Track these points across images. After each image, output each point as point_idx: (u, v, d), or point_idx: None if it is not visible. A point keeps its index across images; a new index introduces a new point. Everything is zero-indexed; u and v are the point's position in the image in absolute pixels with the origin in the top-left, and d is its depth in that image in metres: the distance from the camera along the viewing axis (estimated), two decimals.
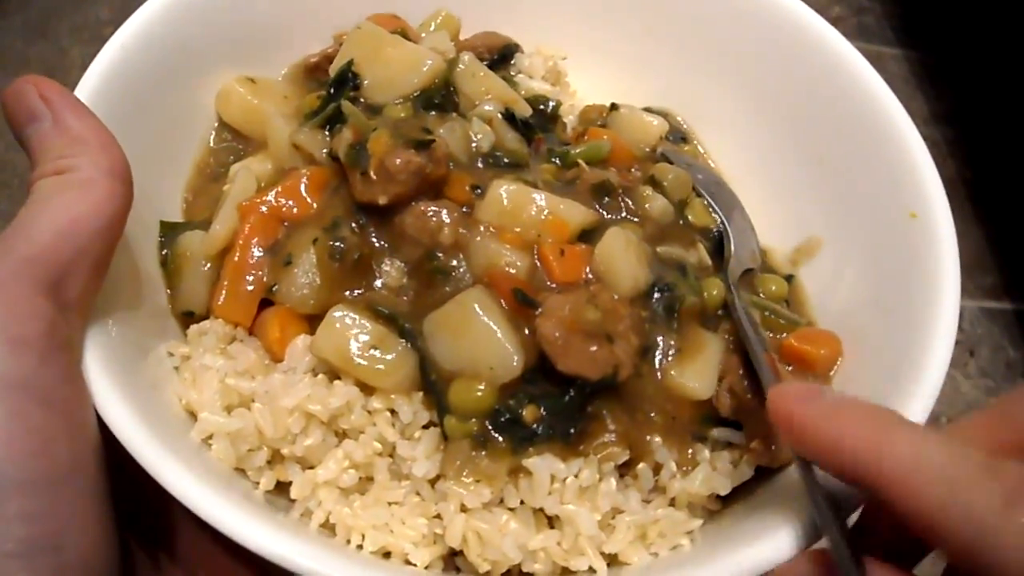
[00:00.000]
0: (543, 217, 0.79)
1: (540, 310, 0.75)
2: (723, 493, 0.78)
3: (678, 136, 1.04)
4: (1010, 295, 1.74)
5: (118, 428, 0.66)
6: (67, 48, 1.41)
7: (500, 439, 0.73)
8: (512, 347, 0.73)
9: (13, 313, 0.61)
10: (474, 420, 0.73)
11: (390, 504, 0.74)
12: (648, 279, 0.81)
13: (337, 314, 0.76)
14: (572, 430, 0.75)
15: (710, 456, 0.79)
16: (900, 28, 1.97)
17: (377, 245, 0.81)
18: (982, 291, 1.67)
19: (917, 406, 0.74)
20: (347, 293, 0.80)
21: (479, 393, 0.73)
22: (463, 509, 0.74)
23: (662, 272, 0.82)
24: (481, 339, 0.73)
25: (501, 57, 1.01)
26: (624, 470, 0.78)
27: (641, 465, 0.77)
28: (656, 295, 0.81)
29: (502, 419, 0.73)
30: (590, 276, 0.79)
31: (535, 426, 0.74)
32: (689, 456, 0.79)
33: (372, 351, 0.75)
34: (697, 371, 0.80)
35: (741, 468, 0.79)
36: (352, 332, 0.75)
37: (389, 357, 0.75)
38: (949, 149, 1.77)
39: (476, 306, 0.74)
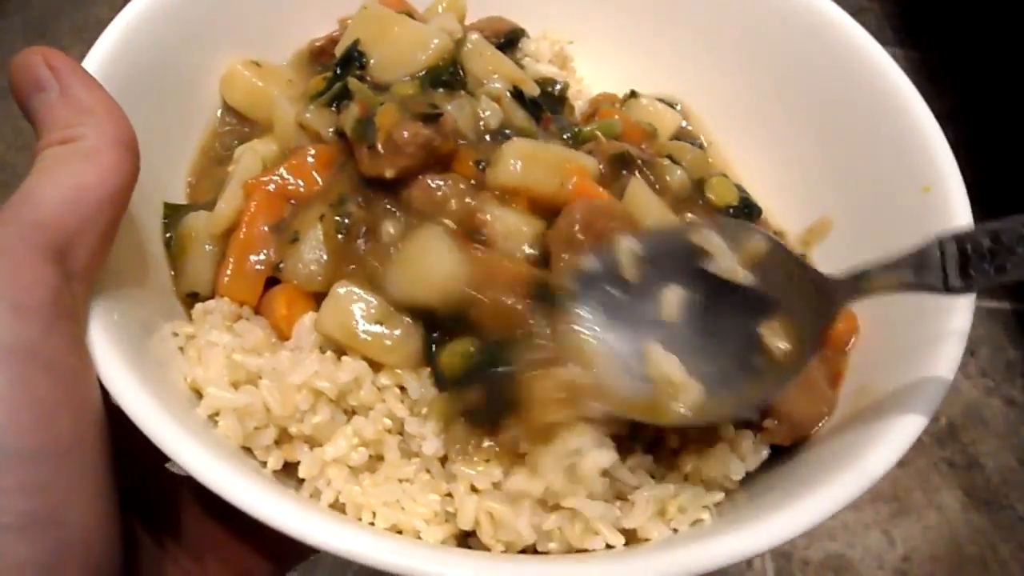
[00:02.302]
0: (563, 166, 0.78)
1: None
2: (735, 478, 0.76)
3: (696, 144, 1.02)
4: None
5: (126, 402, 0.64)
6: (67, 48, 1.38)
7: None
8: (455, 266, 0.72)
9: (17, 279, 0.59)
10: (466, 392, 0.72)
11: (401, 481, 0.72)
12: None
13: (341, 290, 0.75)
14: None
15: (734, 433, 0.78)
16: (900, 28, 1.97)
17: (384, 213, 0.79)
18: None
19: (931, 387, 0.72)
20: (352, 268, 0.78)
21: (470, 350, 0.72)
22: (474, 490, 0.72)
23: None
24: (431, 264, 0.73)
25: (507, 41, 1.00)
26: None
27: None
28: None
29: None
30: None
31: None
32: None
33: (376, 326, 0.74)
34: None
35: (757, 449, 0.78)
36: (356, 307, 0.74)
37: (395, 332, 0.74)
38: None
39: (432, 238, 0.74)
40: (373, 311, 0.74)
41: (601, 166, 0.83)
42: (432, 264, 0.74)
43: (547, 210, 0.78)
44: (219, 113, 0.93)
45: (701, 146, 1.03)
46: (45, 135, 0.67)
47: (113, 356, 0.66)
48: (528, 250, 0.76)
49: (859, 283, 0.68)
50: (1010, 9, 1.80)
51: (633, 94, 1.02)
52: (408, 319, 0.74)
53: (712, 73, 1.04)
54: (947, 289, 0.62)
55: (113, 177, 0.66)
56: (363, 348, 0.74)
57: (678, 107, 1.05)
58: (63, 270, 0.62)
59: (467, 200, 0.77)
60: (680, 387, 0.70)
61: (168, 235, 0.84)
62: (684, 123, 1.05)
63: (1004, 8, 1.83)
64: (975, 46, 1.96)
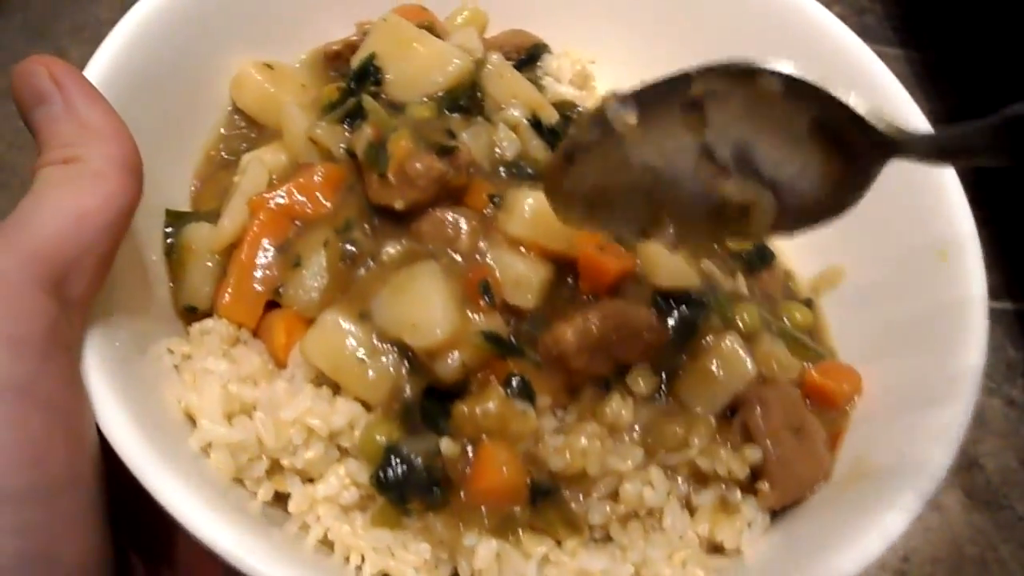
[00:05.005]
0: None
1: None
2: (729, 546, 0.76)
3: None
4: (1010, 295, 1.73)
5: (112, 434, 0.63)
6: (67, 48, 1.39)
7: None
8: (442, 316, 0.70)
9: (14, 311, 0.58)
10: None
11: (393, 528, 0.71)
12: (696, 280, 0.79)
13: (329, 318, 0.73)
14: None
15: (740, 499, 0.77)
16: (900, 28, 1.94)
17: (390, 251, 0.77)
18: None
19: (937, 455, 0.72)
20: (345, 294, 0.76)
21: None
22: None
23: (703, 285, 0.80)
24: (417, 298, 0.71)
25: (529, 57, 0.97)
26: None
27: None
28: (677, 310, 0.78)
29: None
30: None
31: None
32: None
33: (360, 361, 0.72)
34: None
35: (756, 518, 0.77)
36: (342, 338, 0.72)
37: (377, 369, 0.72)
38: None
39: (425, 273, 0.73)
40: (359, 344, 0.72)
41: None
42: (418, 301, 0.72)
43: (556, 258, 0.76)
44: (227, 115, 0.90)
45: None
46: (46, 152, 0.65)
47: (103, 385, 0.64)
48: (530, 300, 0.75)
49: (918, 139, 0.58)
50: (1010, 9, 1.76)
51: None
52: (393, 355, 0.73)
53: None
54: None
55: (115, 202, 0.64)
56: (344, 381, 0.72)
57: None
58: (60, 300, 0.61)
59: (477, 241, 0.75)
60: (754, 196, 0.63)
61: (169, 241, 0.81)
62: None
63: (1004, 8, 1.80)
64: (975, 46, 1.92)
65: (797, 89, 0.58)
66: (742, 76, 0.59)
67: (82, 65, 0.73)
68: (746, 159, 0.62)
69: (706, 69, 0.60)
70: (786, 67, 0.59)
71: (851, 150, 0.58)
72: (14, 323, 0.57)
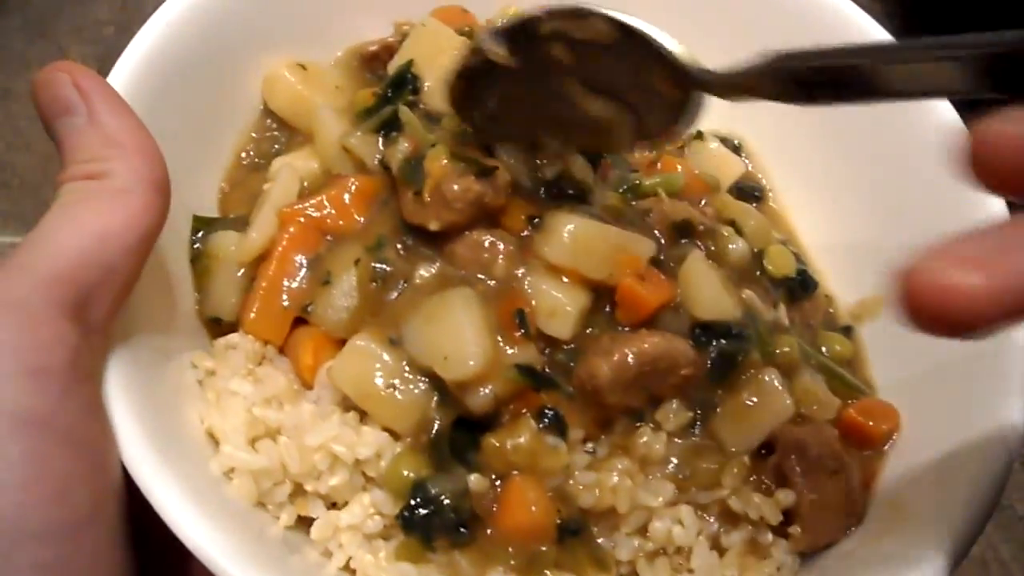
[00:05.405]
0: (614, 255, 0.73)
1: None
2: None
3: (753, 189, 0.97)
4: None
5: (129, 459, 0.61)
6: (67, 48, 1.36)
7: None
8: (475, 348, 0.68)
9: (35, 340, 0.56)
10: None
11: (416, 563, 0.70)
12: (736, 312, 0.76)
13: (360, 343, 0.71)
14: None
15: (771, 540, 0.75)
16: (901, 28, 1.91)
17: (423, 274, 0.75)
18: None
19: (970, 511, 0.70)
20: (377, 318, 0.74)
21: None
22: None
23: (743, 316, 0.77)
24: (449, 328, 0.69)
25: None
26: None
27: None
28: (717, 343, 0.76)
29: None
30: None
31: None
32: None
33: (389, 389, 0.70)
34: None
35: (786, 561, 0.75)
36: (372, 365, 0.70)
37: (406, 398, 0.70)
38: None
39: (459, 300, 0.70)
40: (388, 373, 0.70)
41: (658, 232, 0.79)
42: (451, 332, 0.69)
43: (594, 285, 0.74)
44: (258, 117, 0.87)
45: (762, 191, 0.97)
46: (70, 166, 0.63)
47: (125, 409, 0.62)
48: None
49: (711, 77, 0.64)
50: (1010, 9, 1.72)
51: (699, 135, 0.96)
52: (423, 385, 0.71)
53: (779, 116, 0.97)
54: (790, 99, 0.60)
55: (140, 222, 0.61)
56: (372, 409, 0.71)
57: (743, 154, 0.99)
58: (81, 325, 0.59)
59: (514, 266, 0.73)
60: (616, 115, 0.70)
61: (196, 247, 0.79)
62: (747, 162, 0.99)
63: (1004, 8, 1.75)
64: None
65: (625, 30, 0.64)
66: (579, 18, 0.65)
67: (83, 64, 0.70)
68: (608, 84, 0.68)
69: (550, 11, 0.66)
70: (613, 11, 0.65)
71: (678, 83, 0.65)
72: (35, 353, 0.56)
